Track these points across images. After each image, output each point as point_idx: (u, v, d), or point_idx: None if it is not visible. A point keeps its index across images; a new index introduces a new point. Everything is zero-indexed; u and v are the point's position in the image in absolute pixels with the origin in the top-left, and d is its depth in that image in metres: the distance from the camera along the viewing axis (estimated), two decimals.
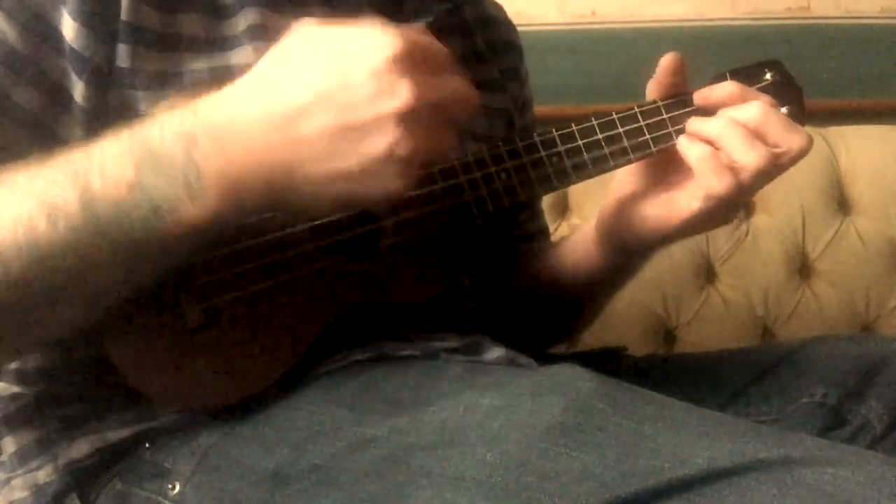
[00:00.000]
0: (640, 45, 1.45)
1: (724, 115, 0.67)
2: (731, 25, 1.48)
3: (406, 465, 0.52)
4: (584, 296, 0.84)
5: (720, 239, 1.31)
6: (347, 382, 0.61)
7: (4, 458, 0.65)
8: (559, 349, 1.02)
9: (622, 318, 1.28)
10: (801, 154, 0.66)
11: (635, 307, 1.29)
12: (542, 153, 0.66)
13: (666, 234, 0.70)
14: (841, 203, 1.35)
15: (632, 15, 1.46)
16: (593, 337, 1.25)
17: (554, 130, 0.67)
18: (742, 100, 0.68)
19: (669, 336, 1.31)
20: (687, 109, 0.70)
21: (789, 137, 0.65)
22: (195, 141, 0.51)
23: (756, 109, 0.66)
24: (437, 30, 0.77)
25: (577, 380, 0.53)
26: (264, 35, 0.63)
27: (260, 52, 0.62)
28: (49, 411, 0.64)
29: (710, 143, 0.66)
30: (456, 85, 0.54)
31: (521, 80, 0.88)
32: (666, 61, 0.70)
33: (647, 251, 0.76)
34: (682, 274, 1.30)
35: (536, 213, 0.91)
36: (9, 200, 0.51)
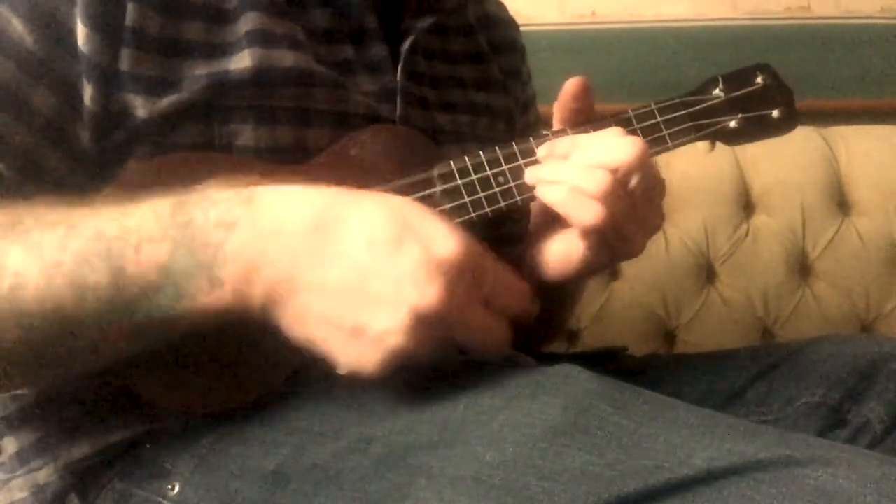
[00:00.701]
0: (640, 45, 1.45)
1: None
2: (731, 25, 1.48)
3: (406, 464, 0.52)
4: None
5: (720, 239, 1.31)
6: (347, 382, 0.61)
7: (4, 458, 0.65)
8: (559, 349, 1.02)
9: (622, 318, 1.28)
10: (633, 160, 0.61)
11: (635, 307, 1.29)
12: (539, 157, 0.66)
13: (568, 273, 0.67)
14: (841, 203, 1.35)
15: (632, 15, 1.46)
16: (593, 337, 1.26)
17: (550, 133, 0.67)
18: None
19: (669, 336, 1.31)
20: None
21: (613, 153, 0.62)
22: (234, 229, 0.51)
23: (567, 143, 0.65)
24: (439, 29, 0.77)
25: (576, 380, 0.53)
26: (263, 39, 0.63)
27: (257, 57, 0.62)
28: (49, 412, 0.64)
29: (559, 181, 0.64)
30: (488, 323, 0.53)
31: (523, 80, 0.88)
32: (569, 86, 0.67)
33: (566, 282, 0.72)
34: (682, 274, 1.30)
35: (526, 215, 0.91)
36: (36, 269, 0.51)
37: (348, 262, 0.50)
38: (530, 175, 0.65)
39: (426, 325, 0.49)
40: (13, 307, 0.51)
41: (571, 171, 0.63)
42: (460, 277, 0.50)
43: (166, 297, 0.51)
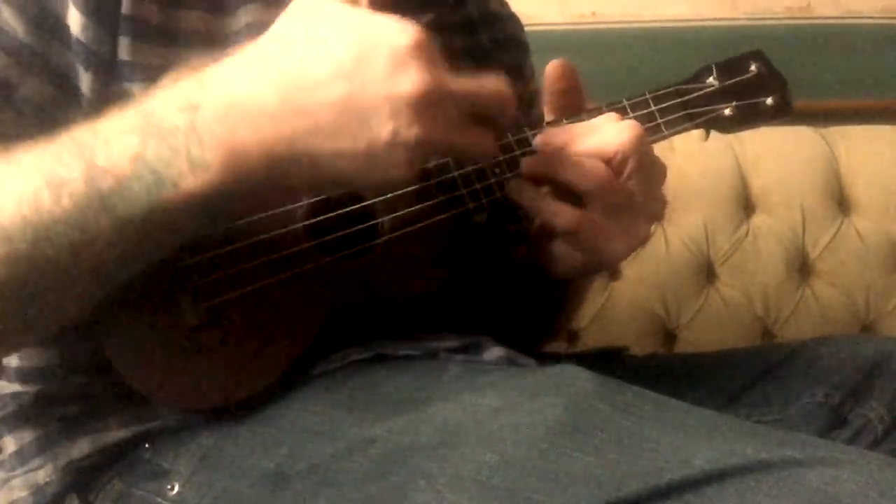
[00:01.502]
0: (640, 45, 1.45)
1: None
2: (731, 25, 1.48)
3: (405, 465, 0.52)
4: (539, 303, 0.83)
5: (720, 239, 1.31)
6: (346, 382, 0.61)
7: (4, 457, 0.65)
8: (559, 349, 1.02)
9: (622, 318, 1.28)
10: (629, 145, 0.61)
11: (635, 307, 1.28)
12: (535, 146, 0.66)
13: (571, 272, 0.66)
14: (841, 203, 1.35)
15: (632, 15, 1.46)
16: (593, 337, 1.26)
17: (545, 124, 0.67)
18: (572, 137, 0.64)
19: (669, 336, 1.31)
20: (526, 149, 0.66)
21: (607, 139, 0.61)
22: (199, 110, 0.50)
23: (565, 134, 0.64)
24: (441, 26, 0.77)
25: (577, 380, 0.53)
26: (263, 32, 0.63)
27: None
28: (49, 411, 0.64)
29: (547, 178, 0.63)
30: (482, 83, 0.53)
31: (526, 76, 0.88)
32: (551, 68, 0.66)
33: (571, 283, 0.72)
34: (682, 274, 1.30)
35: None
36: (14, 178, 0.51)
37: (329, 97, 0.50)
38: (526, 168, 0.64)
39: (428, 107, 0.50)
40: None
41: (562, 164, 0.62)
42: (430, 53, 0.51)
43: (144, 184, 0.50)
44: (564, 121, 0.67)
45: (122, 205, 0.51)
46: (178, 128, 0.50)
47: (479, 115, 0.54)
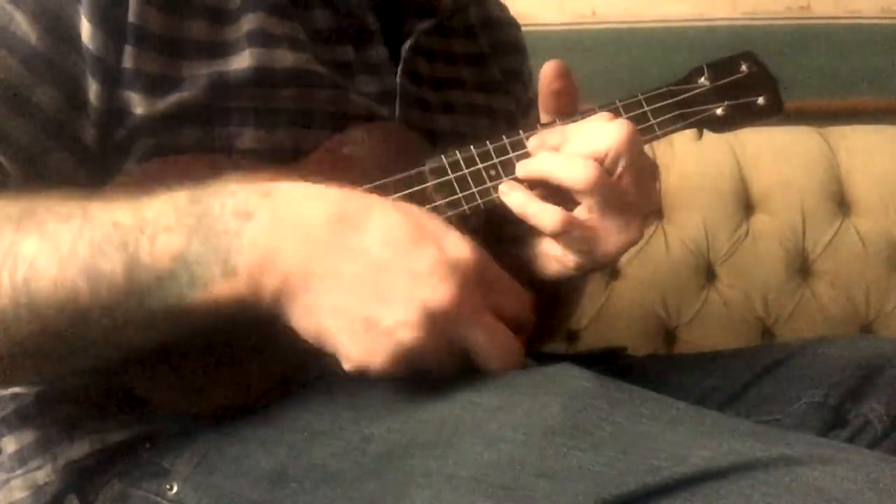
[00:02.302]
0: (640, 45, 1.45)
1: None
2: (731, 25, 1.48)
3: (404, 464, 0.52)
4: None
5: (720, 239, 1.31)
6: (346, 382, 0.61)
7: (4, 458, 0.65)
8: (559, 349, 1.02)
9: (622, 318, 1.28)
10: (621, 144, 0.61)
11: (635, 307, 1.29)
12: (530, 149, 0.66)
13: (565, 273, 0.66)
14: (841, 203, 1.35)
15: (632, 15, 1.46)
16: (593, 337, 1.26)
17: (539, 126, 0.67)
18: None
19: (669, 336, 1.31)
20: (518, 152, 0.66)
21: (599, 139, 0.62)
22: (253, 218, 0.51)
23: (559, 135, 0.64)
24: (440, 31, 0.77)
25: (575, 379, 0.53)
26: (263, 40, 0.63)
27: (256, 57, 0.62)
28: (49, 411, 0.64)
29: (540, 179, 0.63)
30: (497, 328, 0.53)
31: (525, 81, 0.88)
32: (546, 69, 0.67)
33: (565, 284, 0.71)
34: (682, 274, 1.30)
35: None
36: (51, 258, 0.51)
37: (365, 256, 0.51)
38: (519, 169, 0.65)
39: (436, 322, 0.50)
40: (28, 298, 0.51)
41: (555, 163, 0.63)
42: (471, 279, 0.51)
43: (179, 284, 0.51)
44: (558, 122, 0.67)
45: (157, 301, 0.51)
46: (226, 232, 0.51)
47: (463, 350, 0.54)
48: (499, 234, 0.81)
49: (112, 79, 0.60)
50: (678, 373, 0.80)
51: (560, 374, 0.54)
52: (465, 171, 0.65)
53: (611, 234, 0.63)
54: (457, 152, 0.65)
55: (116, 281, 0.51)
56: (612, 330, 1.27)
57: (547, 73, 0.67)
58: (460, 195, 0.64)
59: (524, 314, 0.56)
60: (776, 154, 1.34)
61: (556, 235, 0.63)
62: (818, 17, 1.51)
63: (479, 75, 0.81)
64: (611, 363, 0.81)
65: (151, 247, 0.51)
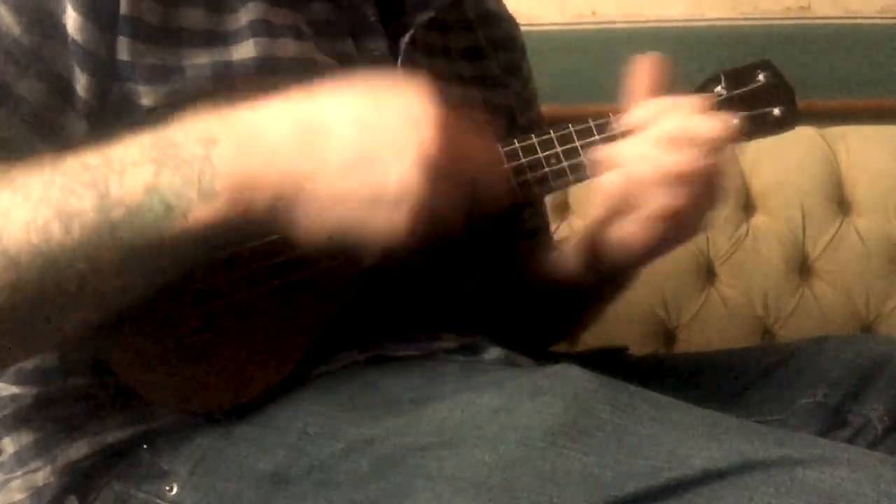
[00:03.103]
0: (640, 45, 1.44)
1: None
2: (731, 25, 1.48)
3: (404, 465, 0.52)
4: (576, 301, 0.84)
5: (720, 239, 1.31)
6: (345, 383, 0.61)
7: (3, 459, 0.65)
8: (559, 349, 1.02)
9: (622, 318, 1.28)
10: (721, 138, 0.62)
11: (635, 307, 1.28)
12: (540, 154, 0.66)
13: (634, 258, 0.68)
14: (841, 203, 1.35)
15: (632, 15, 1.46)
16: (593, 337, 1.25)
17: (552, 132, 0.67)
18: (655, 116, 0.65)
19: (669, 336, 1.31)
20: (605, 134, 0.67)
21: (700, 129, 0.62)
22: (216, 142, 0.51)
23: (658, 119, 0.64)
24: (438, 25, 0.77)
25: (576, 380, 0.53)
26: (266, 29, 0.63)
27: (261, 47, 0.62)
28: (48, 413, 0.64)
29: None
30: (488, 155, 0.55)
31: (524, 76, 0.88)
32: (649, 60, 0.68)
33: (626, 271, 0.73)
34: (682, 274, 1.30)
35: (539, 211, 0.91)
36: (22, 206, 0.51)
37: (341, 142, 0.51)
38: (603, 153, 0.65)
39: (434, 167, 0.51)
40: (2, 246, 0.50)
41: (696, 119, 0.63)
42: (445, 119, 0.52)
43: (154, 214, 0.50)
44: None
45: (132, 234, 0.51)
46: (194, 158, 0.51)
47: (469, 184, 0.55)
48: (521, 228, 0.82)
49: (105, 71, 0.59)
50: (678, 373, 0.80)
51: (561, 374, 0.54)
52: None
53: (691, 223, 0.65)
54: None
55: (88, 218, 0.50)
56: (612, 330, 1.26)
57: (650, 66, 0.68)
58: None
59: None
60: (776, 154, 1.34)
61: (666, 214, 0.62)
62: (818, 17, 1.50)
63: (477, 69, 0.81)
64: (611, 363, 0.81)
65: (121, 180, 0.50)
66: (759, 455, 0.45)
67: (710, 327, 1.30)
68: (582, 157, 0.66)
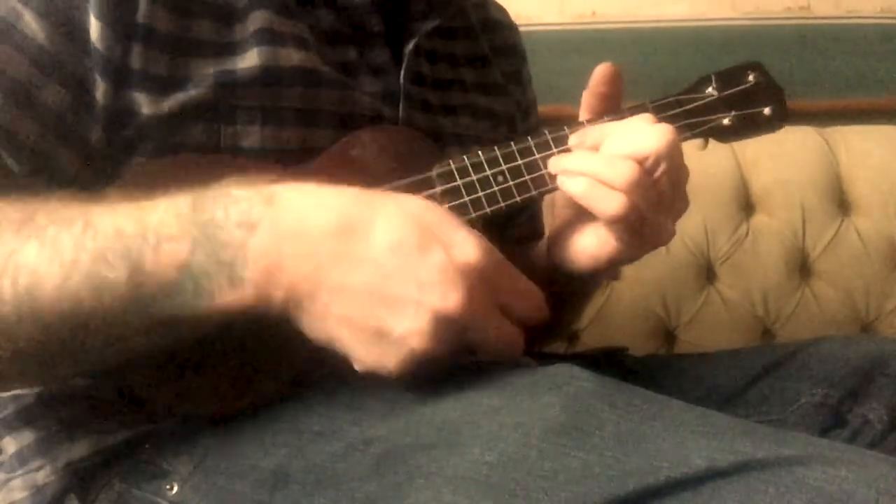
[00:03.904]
0: (640, 45, 1.45)
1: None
2: (731, 25, 1.48)
3: (404, 465, 0.52)
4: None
5: (720, 239, 1.31)
6: (346, 383, 0.61)
7: (4, 458, 0.65)
8: (559, 349, 1.02)
9: (622, 318, 1.28)
10: (663, 149, 0.62)
11: (635, 307, 1.29)
12: (537, 156, 0.66)
13: (599, 265, 0.67)
14: (841, 203, 1.35)
15: (632, 15, 1.46)
16: (593, 337, 1.26)
17: (547, 133, 0.67)
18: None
19: (669, 336, 1.31)
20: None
21: (643, 141, 0.62)
22: (257, 230, 0.51)
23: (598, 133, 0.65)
24: (442, 32, 0.77)
25: (575, 379, 0.53)
26: (270, 39, 0.63)
27: (264, 56, 0.62)
28: (49, 412, 0.64)
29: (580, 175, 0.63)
30: (505, 328, 0.54)
31: (524, 83, 0.88)
32: (599, 70, 0.68)
33: (593, 276, 0.72)
34: (682, 274, 1.30)
35: (534, 215, 0.91)
36: (53, 266, 0.51)
37: (372, 264, 0.51)
38: (554, 165, 0.65)
39: (447, 327, 0.50)
40: (30, 306, 0.50)
41: (596, 162, 0.63)
42: (481, 282, 0.51)
43: (184, 294, 0.51)
44: (585, 124, 0.67)
45: (160, 310, 0.51)
46: (231, 243, 0.51)
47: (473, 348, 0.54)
48: (508, 236, 0.81)
49: (119, 78, 0.59)
50: (678, 373, 0.80)
51: (561, 374, 0.54)
52: (473, 176, 0.65)
53: (646, 234, 0.64)
54: (464, 157, 0.65)
55: (120, 290, 0.50)
56: (612, 330, 1.27)
57: (599, 76, 0.68)
58: (467, 199, 0.64)
59: (537, 310, 0.56)
60: (776, 154, 1.34)
61: (613, 222, 0.63)
62: (818, 17, 1.50)
63: (481, 77, 0.81)
64: (611, 363, 0.81)
65: (155, 256, 0.50)
66: (759, 455, 0.45)
67: (710, 327, 1.30)
68: (543, 171, 0.66)
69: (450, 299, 0.50)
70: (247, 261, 0.50)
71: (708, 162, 1.29)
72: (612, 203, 0.61)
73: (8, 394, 0.64)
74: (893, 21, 1.51)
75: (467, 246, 0.52)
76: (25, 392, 0.64)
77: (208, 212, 0.51)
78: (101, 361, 0.55)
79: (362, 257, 0.51)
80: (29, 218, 0.53)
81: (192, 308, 0.51)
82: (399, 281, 0.50)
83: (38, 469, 0.63)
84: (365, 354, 0.51)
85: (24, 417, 0.64)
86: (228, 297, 0.51)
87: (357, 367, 0.52)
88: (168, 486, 0.60)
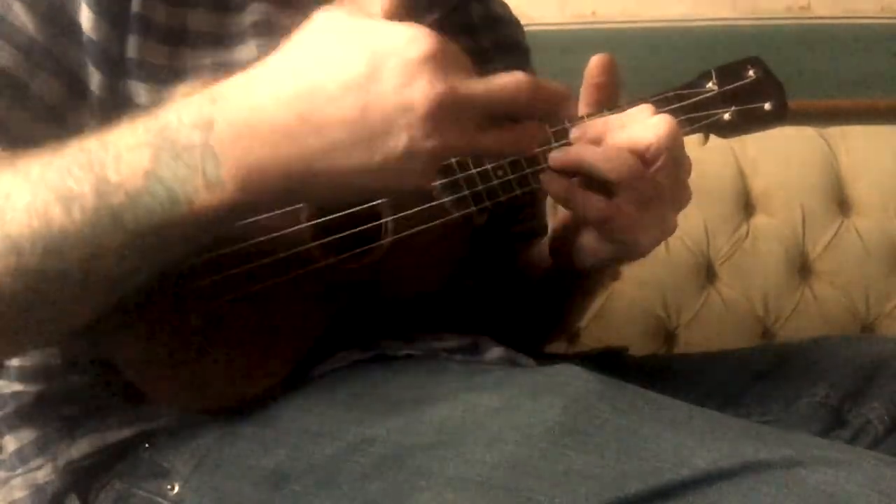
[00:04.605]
0: (641, 45, 1.45)
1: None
2: (731, 25, 1.48)
3: (405, 465, 0.52)
4: (553, 296, 0.83)
5: (720, 239, 1.31)
6: (347, 382, 0.61)
7: (4, 457, 0.65)
8: (559, 349, 1.02)
9: (622, 318, 1.28)
10: (664, 140, 0.61)
11: (635, 307, 1.28)
12: (537, 149, 0.66)
13: (601, 263, 0.67)
14: (841, 203, 1.35)
15: (632, 15, 1.46)
16: (593, 337, 1.26)
17: (547, 127, 0.67)
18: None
19: (669, 336, 1.31)
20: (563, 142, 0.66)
21: (643, 132, 0.62)
22: (213, 127, 0.50)
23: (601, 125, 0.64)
24: (443, 28, 0.77)
25: (576, 380, 0.53)
26: (269, 31, 0.63)
27: (264, 48, 0.62)
28: (50, 410, 0.64)
29: (575, 170, 0.63)
30: (495, 82, 0.53)
31: None
32: (594, 60, 0.67)
33: (596, 274, 0.72)
34: (682, 274, 1.30)
35: (538, 212, 0.91)
36: (23, 189, 0.51)
37: (340, 111, 0.49)
38: (553, 159, 0.64)
39: (443, 115, 0.49)
40: (3, 230, 0.50)
41: (594, 155, 0.62)
42: (447, 63, 0.50)
43: (156, 200, 0.50)
44: (605, 111, 0.67)
45: (134, 220, 0.50)
46: (193, 145, 0.50)
47: (502, 113, 0.53)
48: (516, 231, 0.81)
49: (115, 68, 0.59)
50: (678, 373, 0.80)
51: (561, 374, 0.54)
52: (473, 170, 0.65)
53: (646, 226, 0.63)
54: None
55: (87, 201, 0.50)
56: (612, 330, 1.26)
57: (593, 66, 0.67)
58: (467, 192, 0.64)
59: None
60: (776, 154, 1.34)
61: (598, 225, 0.63)
62: (818, 17, 1.50)
63: (482, 73, 0.81)
64: (611, 363, 0.81)
65: (117, 165, 0.50)
66: (760, 455, 0.45)
67: (710, 327, 1.30)
68: (543, 165, 0.65)
69: (425, 88, 0.48)
70: (218, 161, 0.49)
71: (708, 162, 1.29)
72: (592, 207, 0.61)
73: (8, 391, 0.65)
74: (893, 21, 1.51)
75: (411, 40, 0.50)
76: (26, 390, 0.64)
77: (161, 119, 0.51)
78: (82, 303, 0.54)
79: (328, 111, 0.49)
80: (7, 159, 0.53)
81: (169, 215, 0.50)
82: (372, 107, 0.49)
83: (39, 468, 0.63)
84: (391, 186, 0.51)
85: (25, 416, 0.64)
86: (209, 199, 0.50)
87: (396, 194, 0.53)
88: (168, 486, 0.60)
